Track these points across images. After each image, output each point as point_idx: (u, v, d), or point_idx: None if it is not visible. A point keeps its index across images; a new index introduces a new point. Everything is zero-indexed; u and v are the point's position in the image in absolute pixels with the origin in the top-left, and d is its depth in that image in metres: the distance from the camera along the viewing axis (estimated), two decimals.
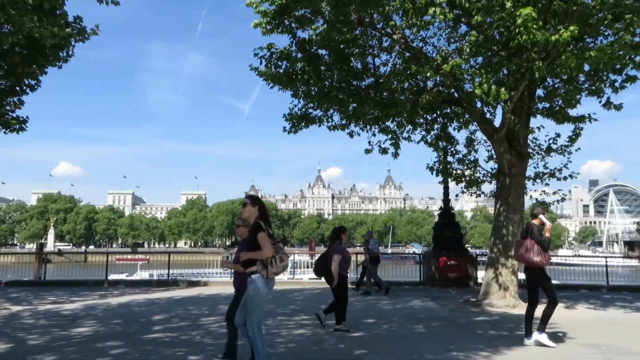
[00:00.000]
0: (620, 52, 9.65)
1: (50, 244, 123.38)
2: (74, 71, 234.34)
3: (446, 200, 16.99)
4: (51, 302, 12.79)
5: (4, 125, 14.31)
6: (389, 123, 13.19)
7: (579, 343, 7.72)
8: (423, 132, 14.07)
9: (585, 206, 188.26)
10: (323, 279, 8.88)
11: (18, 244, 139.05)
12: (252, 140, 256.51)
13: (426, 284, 16.47)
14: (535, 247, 7.27)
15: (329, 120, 13.59)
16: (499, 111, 13.00)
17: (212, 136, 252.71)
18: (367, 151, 13.42)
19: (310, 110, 13.39)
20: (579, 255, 48.56)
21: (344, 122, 13.40)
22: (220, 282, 17.41)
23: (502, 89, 9.88)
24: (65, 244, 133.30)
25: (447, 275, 15.92)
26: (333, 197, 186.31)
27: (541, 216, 7.53)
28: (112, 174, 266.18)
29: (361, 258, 17.22)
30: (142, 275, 31.36)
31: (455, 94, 12.38)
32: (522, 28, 8.83)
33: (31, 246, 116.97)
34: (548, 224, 7.45)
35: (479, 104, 11.95)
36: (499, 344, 7.54)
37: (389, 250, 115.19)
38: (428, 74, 10.18)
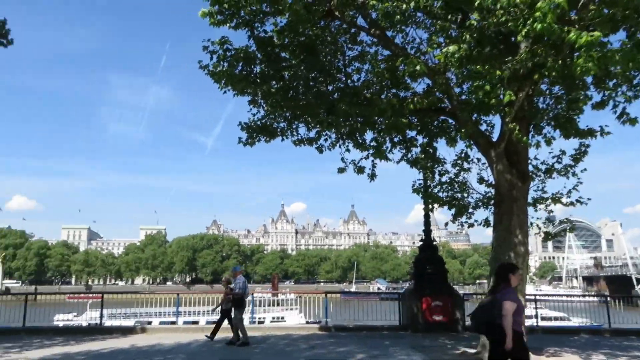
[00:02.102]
0: None
1: None
2: (28, 102, 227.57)
3: (427, 230, 14.83)
4: None
5: None
6: (366, 136, 11.11)
7: None
8: (403, 150, 12.04)
9: (544, 242, 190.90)
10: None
11: None
12: (215, 175, 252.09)
13: (407, 328, 14.15)
14: None
15: (294, 133, 11.43)
16: (497, 123, 11.20)
17: (174, 170, 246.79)
18: (341, 170, 11.26)
19: (272, 122, 11.21)
20: (578, 295, 46.27)
21: (311, 135, 11.27)
22: (162, 329, 14.58)
23: (508, 91, 8.04)
24: (14, 281, 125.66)
25: (432, 319, 13.65)
26: (296, 232, 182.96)
27: None
28: (69, 208, 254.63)
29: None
30: (91, 314, 28.92)
31: (446, 101, 10.45)
32: (538, 14, 6.97)
33: None
34: None
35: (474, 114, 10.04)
36: None
37: (353, 287, 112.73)
38: (417, 68, 8.14)
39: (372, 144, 10.83)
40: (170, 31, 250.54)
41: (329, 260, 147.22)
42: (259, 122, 11.09)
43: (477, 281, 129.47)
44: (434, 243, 15.07)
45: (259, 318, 31.97)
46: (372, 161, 11.62)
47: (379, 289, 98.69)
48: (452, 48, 7.79)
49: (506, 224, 10.18)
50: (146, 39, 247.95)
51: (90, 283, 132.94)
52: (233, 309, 12.21)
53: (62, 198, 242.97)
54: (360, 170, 11.24)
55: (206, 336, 12.59)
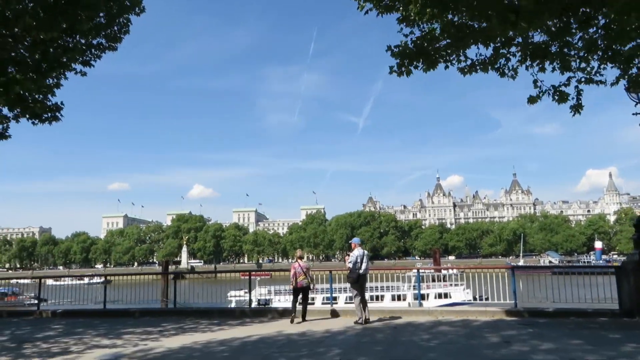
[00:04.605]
0: None
1: (184, 261, 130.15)
2: (205, 100, 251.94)
3: None
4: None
5: (33, 116, 11.22)
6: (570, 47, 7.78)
7: None
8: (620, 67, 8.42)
9: None
10: None
11: (157, 262, 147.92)
12: (368, 154, 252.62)
13: (632, 313, 10.49)
14: None
15: (462, 57, 8.50)
16: None
17: (329, 152, 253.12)
18: (532, 99, 8.15)
19: (431, 43, 8.38)
20: None
21: (486, 55, 8.25)
22: (316, 312, 12.65)
23: None
24: (197, 261, 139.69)
25: None
26: (454, 206, 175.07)
27: None
28: (238, 193, 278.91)
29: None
30: (260, 291, 29.52)
31: None
32: None
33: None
34: None
35: None
36: None
37: (521, 261, 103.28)
38: None
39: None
40: (316, 19, 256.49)
41: (491, 233, 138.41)
42: (412, 46, 8.36)
43: None
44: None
45: (425, 306, 29.65)
46: (577, 86, 8.31)
47: (550, 262, 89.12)
48: None
49: None
50: (295, 29, 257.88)
51: (260, 261, 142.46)
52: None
53: (232, 185, 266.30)
54: (562, 97, 8.00)
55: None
